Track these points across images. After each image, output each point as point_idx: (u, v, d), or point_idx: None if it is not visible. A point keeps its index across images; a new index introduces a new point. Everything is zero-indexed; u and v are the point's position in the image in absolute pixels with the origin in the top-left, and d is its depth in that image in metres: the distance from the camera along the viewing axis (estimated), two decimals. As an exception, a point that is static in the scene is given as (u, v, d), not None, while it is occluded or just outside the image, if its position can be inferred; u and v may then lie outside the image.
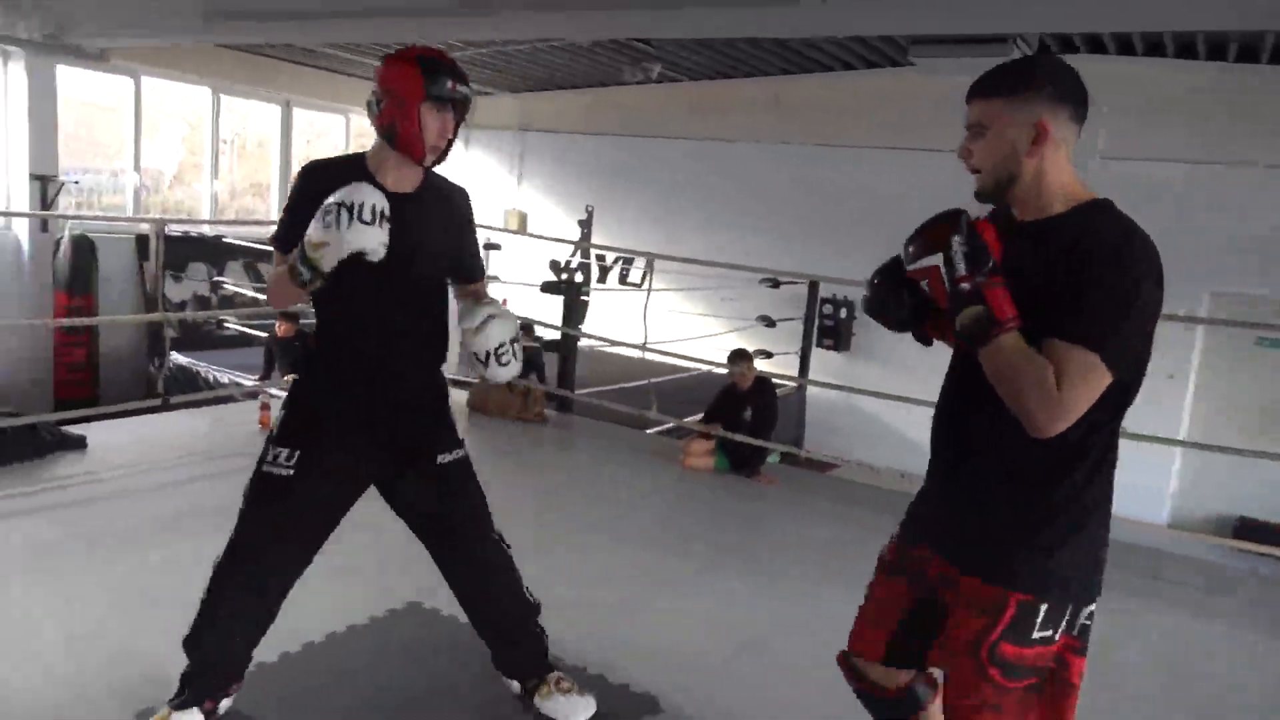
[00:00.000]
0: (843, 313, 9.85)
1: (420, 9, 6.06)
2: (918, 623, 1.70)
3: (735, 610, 3.23)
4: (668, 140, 10.94)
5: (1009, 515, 1.54)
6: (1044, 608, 1.51)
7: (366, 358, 2.05)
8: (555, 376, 6.28)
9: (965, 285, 1.43)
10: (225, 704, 2.15)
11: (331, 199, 1.85)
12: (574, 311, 6.57)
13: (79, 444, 4.22)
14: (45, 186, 8.31)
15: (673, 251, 7.25)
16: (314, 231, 1.85)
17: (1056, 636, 1.53)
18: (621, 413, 5.71)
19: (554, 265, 11.22)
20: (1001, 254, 1.48)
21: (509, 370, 2.13)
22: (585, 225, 11.64)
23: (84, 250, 8.33)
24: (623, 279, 11.41)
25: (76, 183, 8.88)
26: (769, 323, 9.58)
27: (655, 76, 10.00)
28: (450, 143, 2.04)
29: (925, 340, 1.73)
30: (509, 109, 12.33)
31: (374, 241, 1.85)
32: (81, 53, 8.24)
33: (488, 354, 2.07)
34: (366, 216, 1.83)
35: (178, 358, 8.25)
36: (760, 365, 7.13)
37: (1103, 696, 2.54)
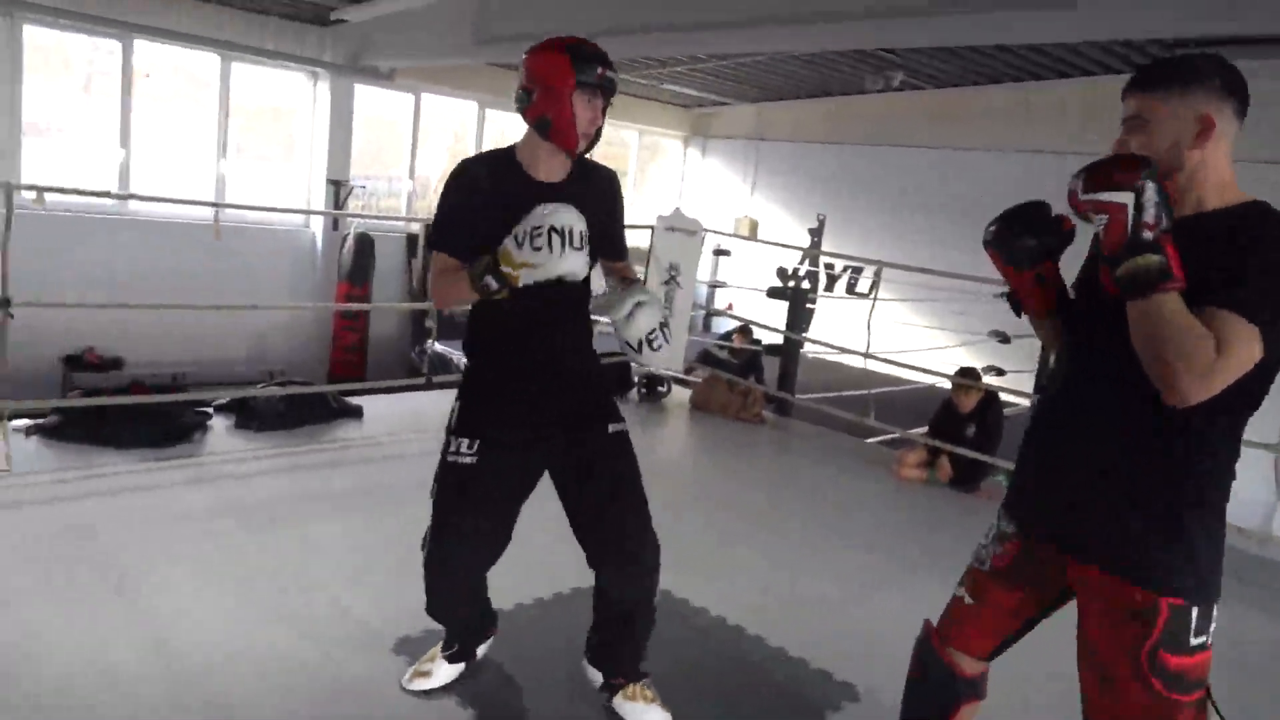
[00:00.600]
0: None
1: (667, 24, 6.41)
2: (1029, 628, 1.76)
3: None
4: (905, 149, 10.76)
5: (1141, 516, 1.51)
6: (1195, 611, 1.50)
7: (527, 343, 2.09)
8: (775, 380, 6.41)
9: (1149, 233, 1.38)
10: (482, 650, 2.49)
11: (537, 220, 1.85)
12: (797, 317, 6.67)
13: (357, 413, 4.89)
14: (338, 190, 9.54)
15: (904, 261, 7.17)
16: (517, 251, 1.85)
17: (1209, 641, 1.51)
18: (839, 419, 5.76)
19: (781, 272, 11.30)
20: None
21: (662, 355, 2.09)
22: (816, 233, 11.64)
23: (365, 247, 9.46)
24: (850, 288, 11.31)
25: (364, 187, 10.09)
26: (1003, 338, 9.16)
27: (897, 84, 9.87)
28: (599, 129, 2.03)
29: (1017, 310, 1.76)
30: (745, 118, 12.58)
31: (581, 266, 1.89)
32: (375, 73, 9.38)
33: (640, 342, 2.02)
34: (577, 242, 1.86)
35: (436, 345, 9.16)
36: (992, 381, 6.91)
37: None
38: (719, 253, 11.67)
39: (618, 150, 13.43)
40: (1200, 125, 1.48)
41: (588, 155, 2.09)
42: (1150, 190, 1.38)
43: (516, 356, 2.11)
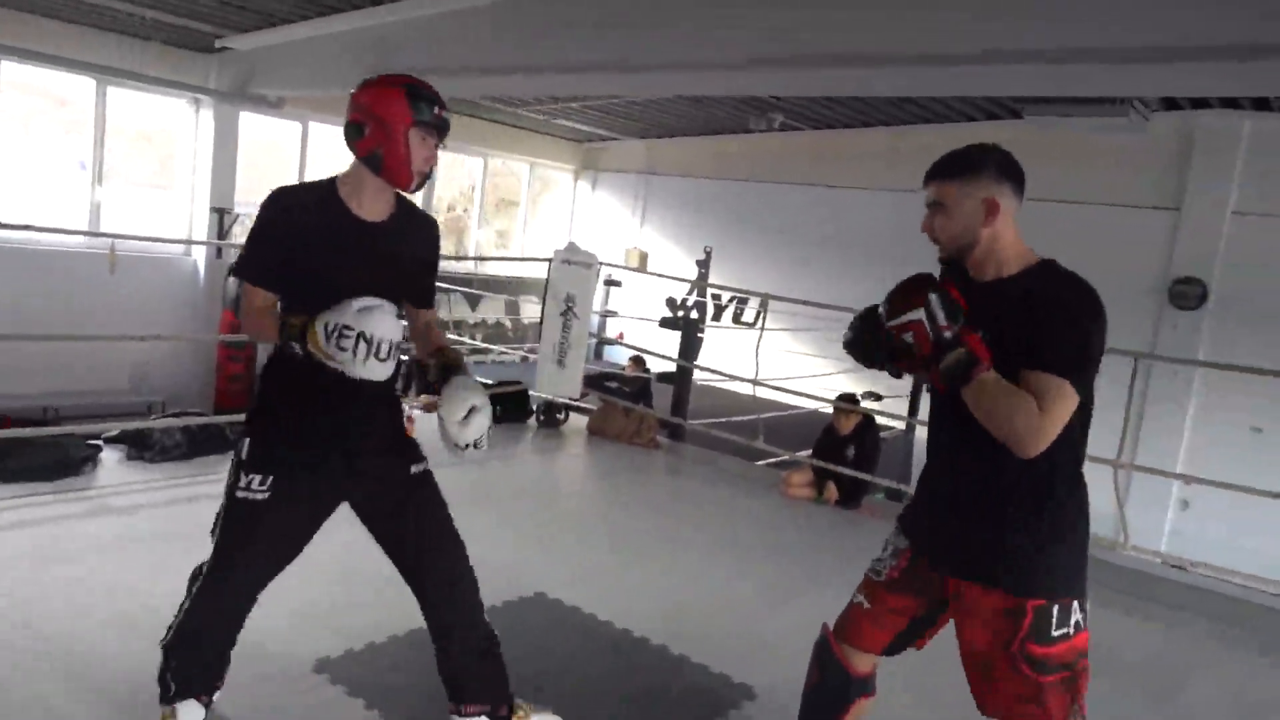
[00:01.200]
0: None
1: (556, 64, 6.64)
2: (916, 629, 2.01)
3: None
4: (786, 185, 11.31)
5: (1014, 532, 1.78)
6: (1055, 609, 1.77)
7: (328, 382, 1.92)
8: (669, 406, 6.65)
9: (947, 334, 1.69)
10: (216, 697, 2.25)
11: (350, 319, 1.83)
12: (689, 345, 6.95)
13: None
14: (222, 218, 9.33)
15: (787, 293, 7.56)
16: (324, 340, 1.84)
17: (1073, 632, 1.78)
18: (730, 443, 6.03)
19: (670, 302, 11.66)
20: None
21: (479, 453, 2.07)
22: (703, 265, 12.04)
23: (252, 275, 9.25)
24: (736, 318, 11.75)
25: (249, 215, 9.89)
26: (880, 366, 9.74)
27: (778, 125, 10.40)
28: (432, 169, 2.02)
29: (897, 374, 1.99)
30: (635, 153, 12.95)
31: (384, 374, 1.90)
32: (262, 101, 9.25)
33: (467, 445, 2.02)
34: (383, 353, 1.85)
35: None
36: (870, 405, 7.33)
37: None
38: (610, 283, 11.92)
39: (509, 181, 13.57)
40: (986, 207, 1.78)
41: (411, 196, 2.10)
42: (934, 301, 1.69)
43: (312, 390, 1.98)
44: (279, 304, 2.01)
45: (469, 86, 8.09)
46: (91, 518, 3.73)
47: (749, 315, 11.62)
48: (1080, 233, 9.07)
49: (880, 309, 1.78)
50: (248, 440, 2.04)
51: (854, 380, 9.26)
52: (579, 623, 3.19)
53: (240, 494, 2.00)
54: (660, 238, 12.77)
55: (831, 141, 10.85)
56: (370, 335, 1.83)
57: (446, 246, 12.87)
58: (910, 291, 1.73)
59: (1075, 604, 1.79)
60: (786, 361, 9.23)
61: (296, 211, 1.97)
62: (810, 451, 5.45)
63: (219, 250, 9.28)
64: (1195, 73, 4.15)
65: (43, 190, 8.71)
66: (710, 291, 12.06)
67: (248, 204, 10.01)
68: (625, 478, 5.43)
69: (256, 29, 8.14)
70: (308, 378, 1.94)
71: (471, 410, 2.00)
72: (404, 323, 2.04)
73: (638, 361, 7.76)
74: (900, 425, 9.08)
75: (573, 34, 6.20)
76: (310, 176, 10.66)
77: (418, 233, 2.13)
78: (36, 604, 2.86)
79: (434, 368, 2.13)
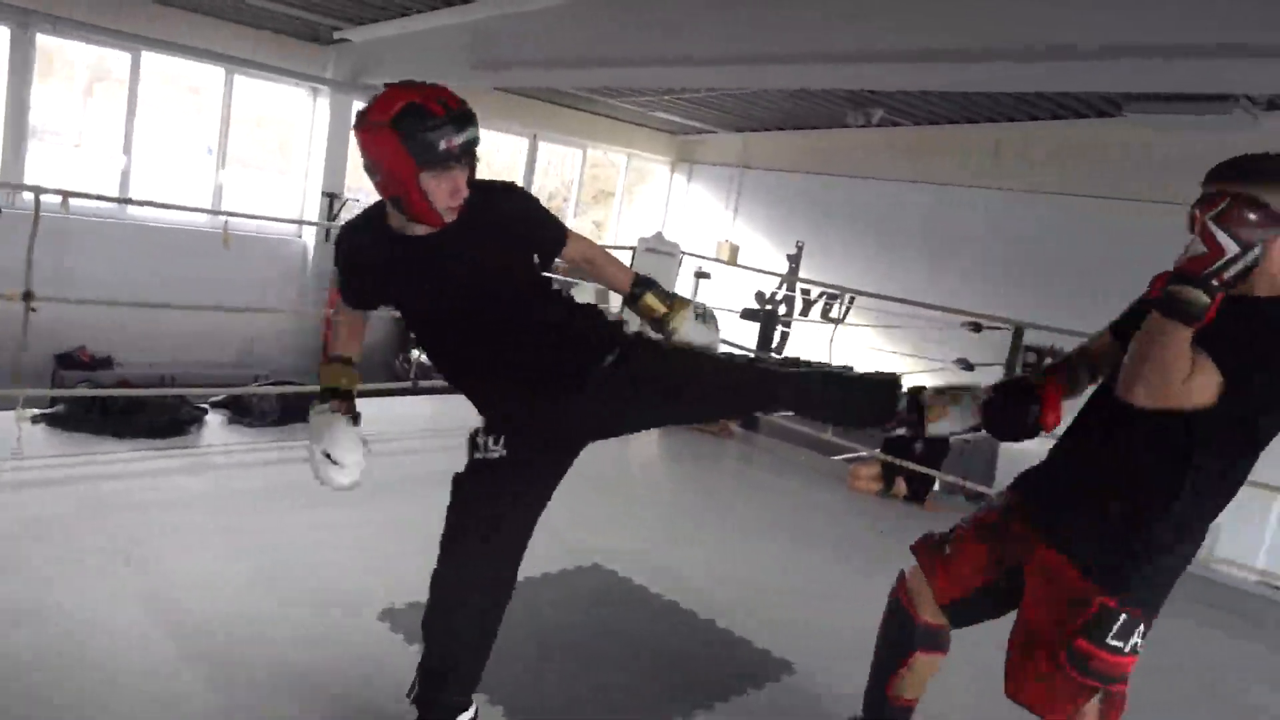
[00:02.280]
0: (1047, 361, 9.60)
1: (655, 57, 6.77)
2: (984, 602, 1.98)
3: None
4: (883, 182, 11.15)
5: (1125, 523, 1.73)
6: (1123, 617, 1.72)
7: (498, 376, 2.01)
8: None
9: (1216, 282, 1.53)
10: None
11: (314, 440, 2.04)
12: (768, 337, 7.00)
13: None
14: (333, 202, 9.84)
15: (878, 290, 7.52)
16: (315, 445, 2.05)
17: (1127, 650, 1.73)
18: (804, 435, 6.08)
19: (759, 296, 11.68)
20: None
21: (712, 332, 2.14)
22: (794, 260, 12.03)
23: (357, 257, 9.73)
24: (825, 313, 11.69)
25: (357, 200, 10.39)
26: (966, 365, 9.53)
27: (877, 120, 10.28)
28: (466, 189, 1.85)
29: (1033, 434, 1.96)
30: (731, 146, 12.98)
31: (349, 482, 2.06)
32: (375, 90, 9.67)
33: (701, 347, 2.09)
34: (342, 477, 2.05)
35: (417, 354, 9.46)
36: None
37: None
38: (700, 275, 11.97)
39: (608, 172, 13.80)
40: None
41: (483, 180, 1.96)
42: (1251, 255, 1.55)
43: (493, 388, 2.06)
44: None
45: (566, 78, 8.32)
46: (193, 474, 4.07)
47: (837, 311, 11.55)
48: (1171, 235, 8.74)
49: (1210, 197, 1.61)
50: (480, 423, 2.09)
51: (939, 379, 9.11)
52: (628, 591, 3.34)
53: (479, 455, 2.05)
54: (752, 231, 12.78)
55: (931, 137, 10.66)
56: (334, 457, 2.05)
57: (543, 234, 13.19)
58: (1255, 223, 1.55)
59: (1143, 624, 1.74)
60: (873, 359, 9.17)
61: (360, 248, 2.01)
62: (880, 446, 5.46)
63: (327, 232, 9.79)
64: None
65: (175, 173, 9.36)
66: (800, 286, 12.05)
67: (357, 189, 10.52)
68: (695, 464, 5.55)
69: (372, 21, 8.55)
70: (481, 382, 2.06)
71: (672, 333, 2.10)
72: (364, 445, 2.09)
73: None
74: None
75: (668, 26, 6.32)
76: (415, 164, 11.11)
77: (487, 210, 1.93)
78: (141, 545, 3.18)
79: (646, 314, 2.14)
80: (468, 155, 1.81)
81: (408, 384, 5.79)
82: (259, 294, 9.02)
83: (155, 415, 4.39)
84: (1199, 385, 1.57)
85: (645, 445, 5.90)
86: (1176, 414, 1.61)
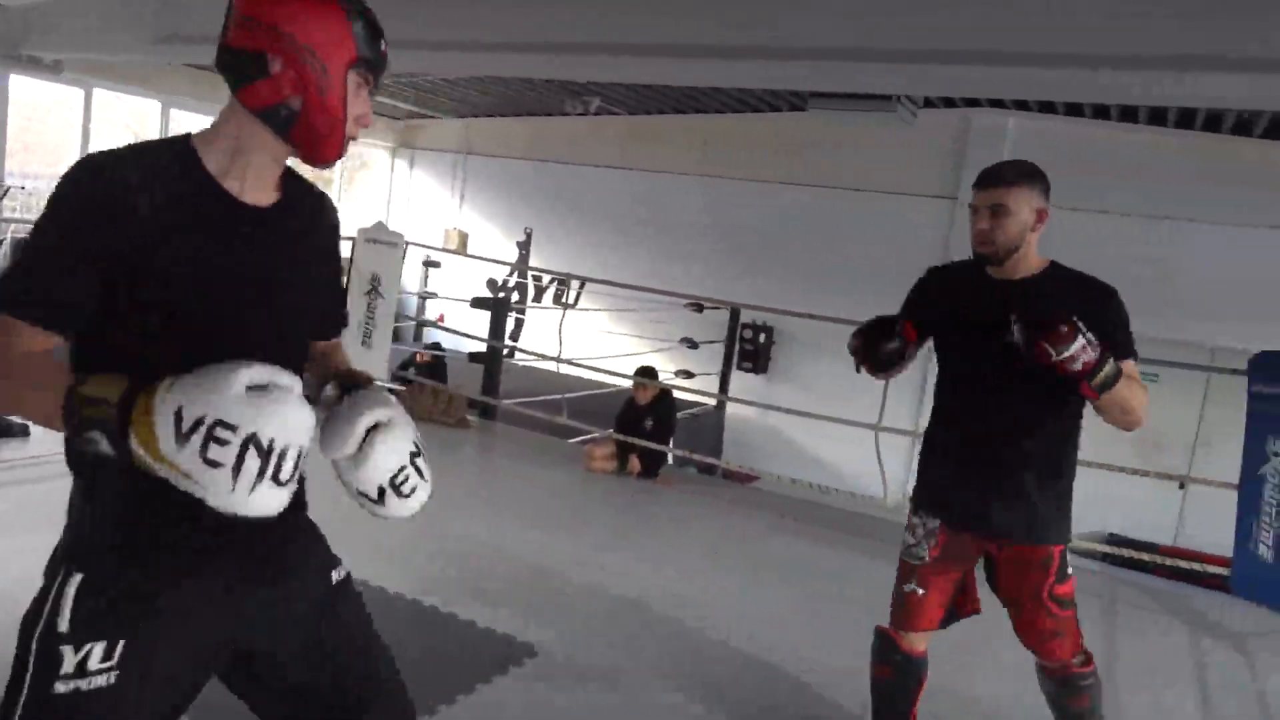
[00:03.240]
0: (762, 337, 10.45)
1: (394, 41, 6.50)
2: (958, 599, 2.29)
3: (628, 580, 3.72)
4: (604, 169, 11.51)
5: (1041, 494, 2.13)
6: (1065, 552, 2.18)
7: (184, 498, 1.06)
8: (480, 386, 6.72)
9: (1094, 352, 1.90)
10: None
11: (228, 409, 0.99)
12: (500, 325, 7.02)
13: (23, 431, 4.57)
14: (-9, 189, 8.55)
15: (605, 275, 7.77)
16: (176, 448, 0.98)
17: (1071, 572, 2.20)
18: (539, 420, 6.18)
19: (491, 284, 11.68)
20: (985, 305, 2.11)
21: (417, 500, 1.36)
22: (523, 247, 12.14)
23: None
24: (557, 299, 11.91)
25: (23, 188, 9.11)
26: (691, 344, 10.15)
27: (594, 109, 10.58)
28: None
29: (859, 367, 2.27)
30: (452, 132, 12.80)
31: (277, 507, 1.04)
32: (37, 63, 8.52)
33: (381, 489, 1.29)
34: (285, 474, 1.03)
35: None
36: (683, 383, 7.65)
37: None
38: (428, 264, 11.78)
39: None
40: (1037, 217, 2.09)
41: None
42: (1086, 334, 1.90)
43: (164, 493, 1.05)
44: (68, 350, 1.17)
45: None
46: None
47: (570, 297, 11.81)
48: (866, 219, 9.86)
49: (1035, 343, 1.91)
50: (71, 592, 1.17)
51: (666, 359, 9.61)
52: (368, 595, 3.23)
53: (61, 686, 1.13)
54: (480, 219, 12.71)
55: (645, 126, 11.15)
56: (266, 440, 1.00)
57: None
58: (1063, 337, 1.89)
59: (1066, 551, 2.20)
60: (604, 342, 9.47)
61: (130, 194, 1.14)
62: (613, 426, 5.67)
63: (-12, 225, 8.49)
64: (944, 75, 4.60)
65: None
66: (530, 273, 12.17)
67: (22, 175, 9.22)
68: (433, 455, 5.42)
69: (30, -16, 7.50)
70: (148, 491, 1.08)
71: (368, 434, 1.26)
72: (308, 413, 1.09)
73: (432, 348, 7.78)
74: (712, 403, 9.54)
75: (386, 7, 6.09)
76: (95, 148, 9.93)
77: (314, 219, 1.40)
78: None
79: (331, 391, 1.40)
80: (379, 77, 1.31)
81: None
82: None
83: None
84: (1139, 381, 2.07)
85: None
86: (1047, 388, 2.03)
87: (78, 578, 1.18)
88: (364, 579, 3.14)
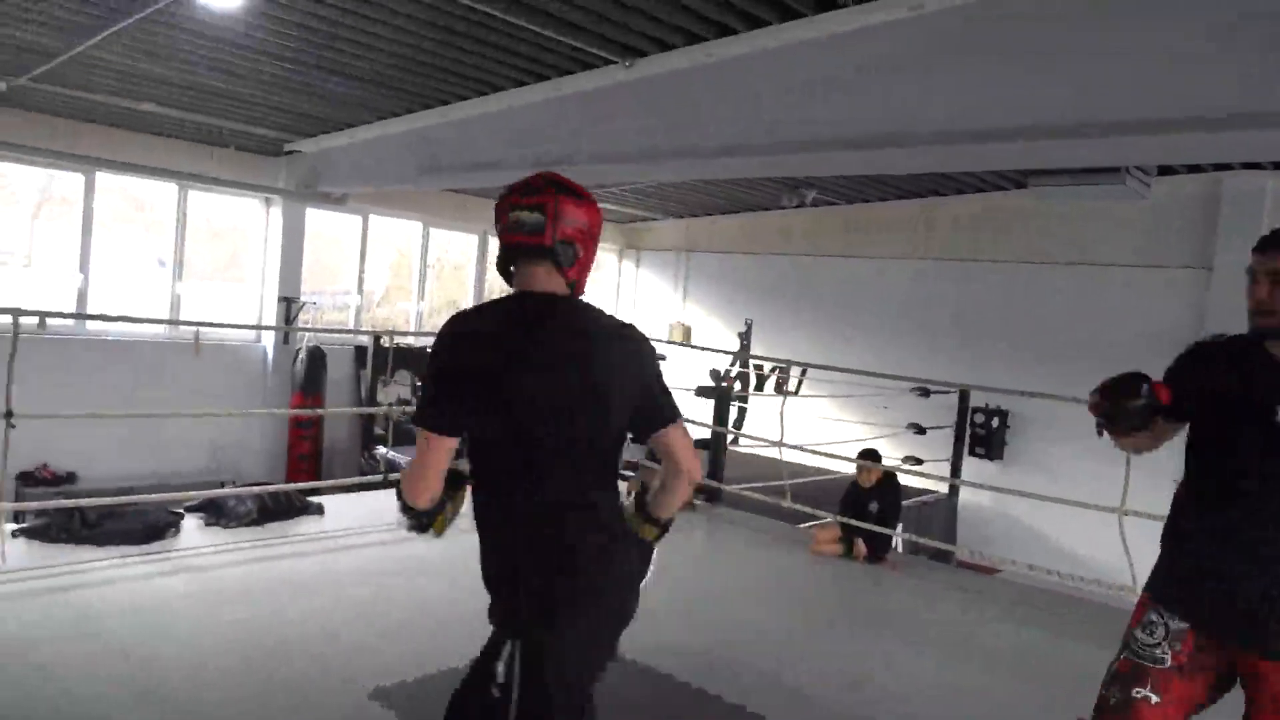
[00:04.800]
0: (994, 421, 10.03)
1: (600, 155, 7.16)
2: (1199, 709, 1.98)
3: (845, 659, 3.75)
4: (822, 259, 11.69)
5: None
6: None
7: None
8: (705, 471, 6.95)
9: None
10: None
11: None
12: (724, 413, 7.26)
13: (319, 510, 5.28)
14: (289, 306, 10.02)
15: (826, 361, 7.86)
16: None
17: None
18: (763, 504, 6.30)
19: (714, 374, 12.02)
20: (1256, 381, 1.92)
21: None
22: (745, 337, 12.44)
23: (317, 359, 9.89)
24: (778, 387, 12.05)
25: (314, 303, 10.59)
26: (919, 430, 9.91)
27: (810, 201, 10.85)
28: None
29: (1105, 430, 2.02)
30: (675, 232, 13.50)
31: None
32: (327, 198, 10.01)
33: None
34: None
35: (384, 450, 9.54)
36: (910, 468, 7.53)
37: None
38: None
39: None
40: None
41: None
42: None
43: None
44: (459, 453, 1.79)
45: (510, 178, 8.68)
46: (174, 575, 4.15)
47: (791, 384, 11.93)
48: (1103, 294, 9.33)
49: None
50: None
51: (892, 445, 9.45)
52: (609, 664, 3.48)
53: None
54: (703, 312, 13.20)
55: (863, 214, 11.26)
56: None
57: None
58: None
59: None
60: (827, 428, 9.47)
61: (478, 351, 1.76)
62: (838, 510, 5.69)
63: (286, 336, 9.94)
64: (1175, 143, 4.45)
65: (125, 286, 9.48)
66: (752, 362, 12.43)
67: (313, 292, 10.73)
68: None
69: (321, 133, 8.91)
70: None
71: None
72: None
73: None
74: (944, 490, 9.23)
75: (605, 124, 6.74)
76: (370, 267, 11.38)
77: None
78: (138, 645, 3.26)
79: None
80: None
81: (377, 477, 5.91)
82: (222, 400, 9.09)
83: (131, 523, 4.47)
84: None
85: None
86: None
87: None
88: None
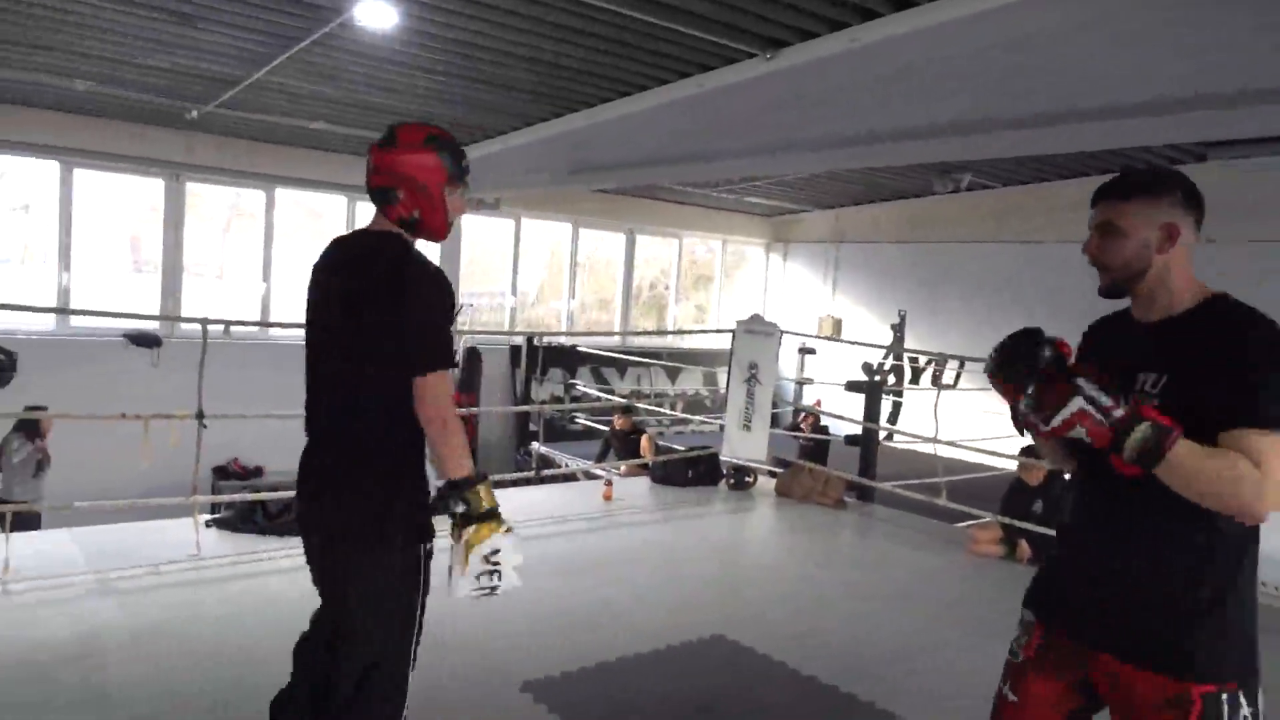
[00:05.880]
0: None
1: (748, 149, 7.13)
2: None
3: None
4: (978, 244, 11.17)
5: (1182, 608, 1.58)
6: (1225, 697, 1.56)
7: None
8: (857, 468, 6.78)
9: (1118, 412, 1.50)
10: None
11: (509, 558, 1.92)
12: (875, 408, 7.06)
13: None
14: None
15: (985, 353, 7.47)
16: (479, 547, 1.91)
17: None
18: (917, 503, 6.09)
19: (866, 367, 11.70)
20: (1128, 352, 1.66)
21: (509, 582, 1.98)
22: (898, 329, 12.05)
23: (474, 359, 10.31)
24: (935, 380, 11.60)
25: (472, 305, 11.05)
26: (1089, 424, 9.31)
27: (965, 186, 10.39)
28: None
29: (1021, 430, 1.74)
30: (823, 223, 13.23)
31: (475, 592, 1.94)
32: (482, 203, 10.42)
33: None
34: (484, 585, 1.93)
35: (541, 447, 9.85)
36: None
37: None
38: (804, 351, 12.14)
39: (704, 257, 14.21)
40: (1166, 233, 1.63)
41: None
42: (1088, 391, 1.53)
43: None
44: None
45: (657, 175, 8.78)
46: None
47: (948, 377, 11.45)
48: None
49: (1023, 410, 1.62)
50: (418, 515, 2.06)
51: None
52: (753, 662, 3.47)
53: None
54: (853, 304, 12.89)
55: (1020, 197, 10.68)
56: (504, 590, 1.96)
57: (648, 322, 13.61)
58: (1055, 399, 1.56)
59: (1243, 693, 1.58)
60: (988, 422, 9.03)
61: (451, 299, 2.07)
62: (1000, 508, 5.42)
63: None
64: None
65: (303, 293, 10.17)
66: (907, 355, 12.02)
67: (470, 294, 11.18)
68: (810, 535, 5.63)
69: (474, 142, 9.26)
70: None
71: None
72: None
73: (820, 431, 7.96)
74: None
75: (750, 121, 6.69)
76: (524, 268, 11.75)
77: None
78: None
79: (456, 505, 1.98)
80: (466, 184, 2.09)
81: (530, 473, 6.10)
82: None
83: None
84: (1273, 463, 1.48)
85: (759, 518, 6.02)
86: None
87: (432, 544, 2.09)
88: (747, 644, 3.40)
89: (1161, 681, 1.58)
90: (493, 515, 1.94)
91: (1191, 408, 1.51)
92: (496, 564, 1.92)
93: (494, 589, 1.95)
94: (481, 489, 1.93)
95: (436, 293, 1.99)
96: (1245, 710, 1.58)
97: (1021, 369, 1.63)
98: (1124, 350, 1.69)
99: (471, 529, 1.91)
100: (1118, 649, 1.63)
